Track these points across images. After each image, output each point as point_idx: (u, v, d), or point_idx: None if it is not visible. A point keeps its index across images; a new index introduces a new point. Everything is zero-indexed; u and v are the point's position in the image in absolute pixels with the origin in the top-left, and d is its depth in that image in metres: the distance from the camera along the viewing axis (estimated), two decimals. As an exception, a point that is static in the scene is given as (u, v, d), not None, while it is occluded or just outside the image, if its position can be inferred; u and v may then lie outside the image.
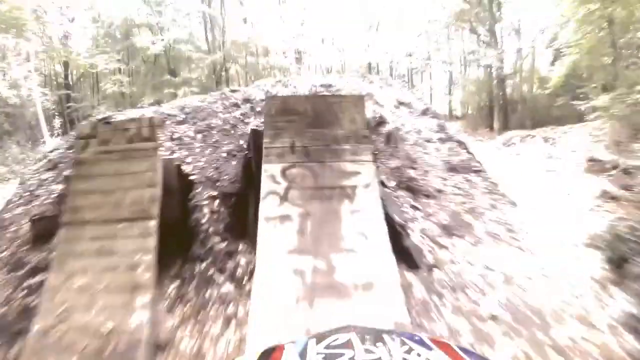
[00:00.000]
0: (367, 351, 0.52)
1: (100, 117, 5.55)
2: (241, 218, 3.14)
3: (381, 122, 5.17)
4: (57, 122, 16.10)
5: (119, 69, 16.22)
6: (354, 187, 2.53)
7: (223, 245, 3.03)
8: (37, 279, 2.80)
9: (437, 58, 19.71)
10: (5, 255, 3.28)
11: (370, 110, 5.10)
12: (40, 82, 15.23)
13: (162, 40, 14.91)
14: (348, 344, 0.54)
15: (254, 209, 2.65)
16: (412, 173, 4.21)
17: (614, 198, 4.75)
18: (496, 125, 13.76)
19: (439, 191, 3.99)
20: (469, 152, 5.14)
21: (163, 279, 2.68)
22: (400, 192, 3.80)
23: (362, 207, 2.44)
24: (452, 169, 4.58)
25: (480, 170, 4.67)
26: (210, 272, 2.83)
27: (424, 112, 6.22)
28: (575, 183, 5.60)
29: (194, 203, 3.35)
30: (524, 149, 9.00)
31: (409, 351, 0.52)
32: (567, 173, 6.32)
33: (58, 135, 13.61)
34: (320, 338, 0.58)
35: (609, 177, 5.61)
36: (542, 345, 2.22)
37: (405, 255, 2.84)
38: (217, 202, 3.38)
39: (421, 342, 0.55)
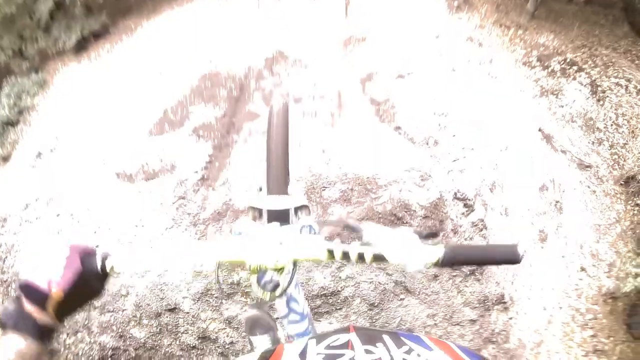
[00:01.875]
0: (367, 351, 0.51)
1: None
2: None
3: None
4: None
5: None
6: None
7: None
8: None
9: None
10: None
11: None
12: None
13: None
14: (348, 345, 0.53)
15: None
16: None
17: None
18: None
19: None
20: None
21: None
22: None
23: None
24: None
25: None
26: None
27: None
28: None
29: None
30: None
31: (409, 351, 0.51)
32: None
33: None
34: (320, 338, 0.58)
35: None
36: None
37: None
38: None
39: (421, 343, 0.54)
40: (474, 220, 3.17)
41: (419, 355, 0.50)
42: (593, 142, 4.44)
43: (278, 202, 0.83)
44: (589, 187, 4.05)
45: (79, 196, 3.49)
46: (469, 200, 3.22)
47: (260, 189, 1.00)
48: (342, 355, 0.50)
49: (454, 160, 3.44)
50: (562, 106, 4.74)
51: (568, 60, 5.22)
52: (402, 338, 0.55)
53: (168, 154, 3.58)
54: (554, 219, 3.64)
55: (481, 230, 3.18)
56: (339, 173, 3.23)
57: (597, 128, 4.55)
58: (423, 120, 3.76)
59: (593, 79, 4.93)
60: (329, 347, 0.54)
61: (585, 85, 4.87)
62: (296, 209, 0.86)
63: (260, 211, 0.85)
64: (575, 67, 5.10)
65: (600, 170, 4.19)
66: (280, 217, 0.81)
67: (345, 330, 0.59)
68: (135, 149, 3.77)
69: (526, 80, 5.08)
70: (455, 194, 3.21)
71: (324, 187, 3.17)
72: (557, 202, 3.74)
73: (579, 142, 4.43)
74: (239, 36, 5.37)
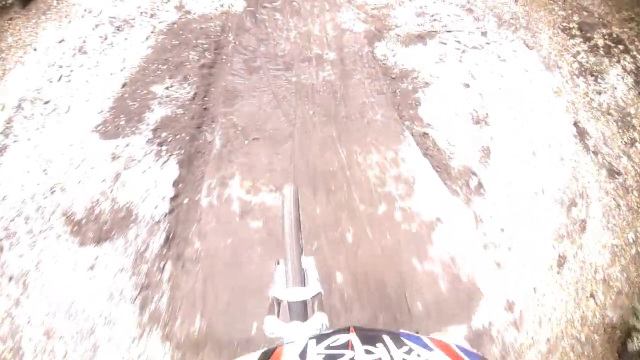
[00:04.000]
0: (367, 352, 0.50)
1: None
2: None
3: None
4: None
5: None
6: None
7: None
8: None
9: None
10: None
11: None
12: None
13: None
14: (348, 345, 0.52)
15: None
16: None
17: None
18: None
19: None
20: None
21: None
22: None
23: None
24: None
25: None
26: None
27: None
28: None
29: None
30: None
31: (409, 352, 0.50)
32: None
33: None
34: (320, 339, 0.57)
35: None
36: None
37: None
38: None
39: (421, 343, 0.53)
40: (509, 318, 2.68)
41: (419, 355, 0.48)
42: (626, 143, 3.85)
43: (297, 294, 0.88)
44: (614, 199, 3.57)
45: (27, 258, 2.55)
46: (513, 301, 2.71)
47: (278, 263, 0.99)
48: (342, 355, 0.49)
49: (502, 230, 2.85)
50: (600, 93, 4.03)
51: (614, 35, 4.36)
52: (402, 338, 0.54)
53: (121, 186, 2.68)
54: (575, 242, 3.22)
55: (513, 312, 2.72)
56: (356, 277, 2.43)
57: (633, 126, 3.93)
58: (456, 126, 3.05)
59: (639, 65, 4.18)
60: (329, 347, 0.53)
61: (629, 73, 4.10)
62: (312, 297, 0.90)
63: (280, 301, 0.89)
64: (621, 47, 4.28)
65: (628, 179, 3.69)
66: (300, 308, 0.86)
67: (345, 330, 0.58)
68: (85, 168, 2.80)
69: (564, 53, 4.25)
70: (504, 308, 2.64)
71: (337, 313, 2.28)
72: (582, 220, 3.26)
73: (611, 140, 3.83)
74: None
